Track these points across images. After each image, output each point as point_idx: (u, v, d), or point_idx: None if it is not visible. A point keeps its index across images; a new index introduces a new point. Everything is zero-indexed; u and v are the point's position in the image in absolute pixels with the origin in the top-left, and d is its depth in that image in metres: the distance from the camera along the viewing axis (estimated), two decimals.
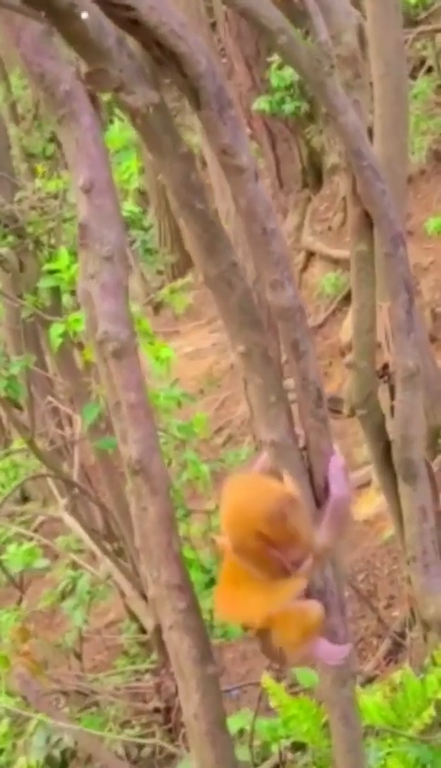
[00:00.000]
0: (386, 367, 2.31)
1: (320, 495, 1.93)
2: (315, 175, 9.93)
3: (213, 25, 10.39)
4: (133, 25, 1.23)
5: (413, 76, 9.70)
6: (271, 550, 1.58)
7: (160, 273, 12.89)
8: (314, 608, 1.90)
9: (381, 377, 2.30)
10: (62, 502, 5.06)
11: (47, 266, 3.90)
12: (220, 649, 4.63)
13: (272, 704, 2.79)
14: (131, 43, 1.30)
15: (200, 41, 1.29)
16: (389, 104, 4.30)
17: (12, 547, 5.14)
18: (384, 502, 2.69)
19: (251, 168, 1.41)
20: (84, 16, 1.22)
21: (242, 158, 1.39)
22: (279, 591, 1.71)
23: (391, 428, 2.29)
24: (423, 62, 9.83)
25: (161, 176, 1.46)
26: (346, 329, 6.41)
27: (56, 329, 3.62)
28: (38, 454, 4.42)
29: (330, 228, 9.15)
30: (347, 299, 7.26)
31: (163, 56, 1.28)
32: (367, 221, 2.09)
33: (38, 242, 4.10)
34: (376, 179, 1.97)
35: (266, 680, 2.81)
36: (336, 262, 8.73)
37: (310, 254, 9.43)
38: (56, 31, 1.43)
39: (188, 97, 1.34)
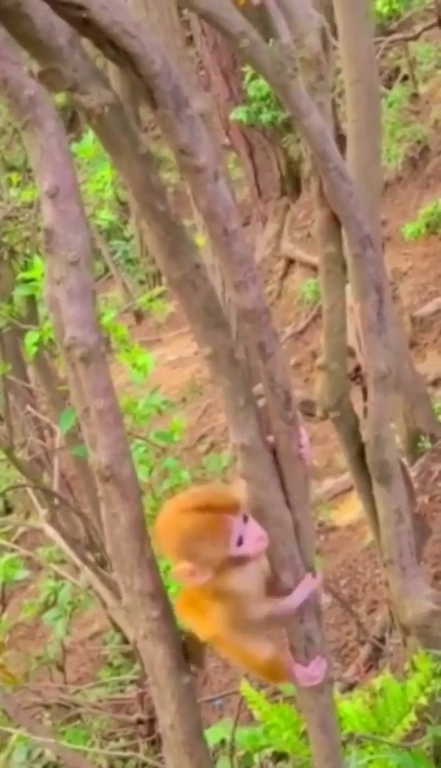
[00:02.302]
0: (358, 369, 2.30)
1: (290, 500, 1.92)
2: (293, 184, 9.97)
3: (190, 38, 10.43)
4: (85, 25, 1.22)
5: (389, 86, 9.77)
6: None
7: (142, 283, 12.88)
8: (262, 652, 1.90)
9: (354, 379, 2.30)
10: (43, 512, 5.02)
11: (22, 275, 3.88)
12: None
13: (252, 712, 2.77)
14: (86, 43, 1.29)
15: (154, 41, 1.28)
16: (362, 109, 4.31)
17: None
18: None
19: (210, 168, 1.40)
20: None
21: (200, 158, 1.38)
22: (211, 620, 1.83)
23: (364, 430, 2.29)
24: (397, 70, 9.89)
25: (121, 178, 1.44)
26: None
27: (31, 337, 3.60)
28: (16, 464, 4.38)
29: (309, 235, 9.16)
30: None
31: (117, 56, 1.27)
32: (335, 223, 2.08)
33: (13, 252, 4.07)
34: (342, 181, 1.96)
35: (245, 688, 2.79)
36: (316, 268, 8.74)
37: (290, 262, 9.45)
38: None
39: (145, 97, 1.33)
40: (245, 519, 1.73)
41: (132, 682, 5.06)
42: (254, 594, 1.75)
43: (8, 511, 8.31)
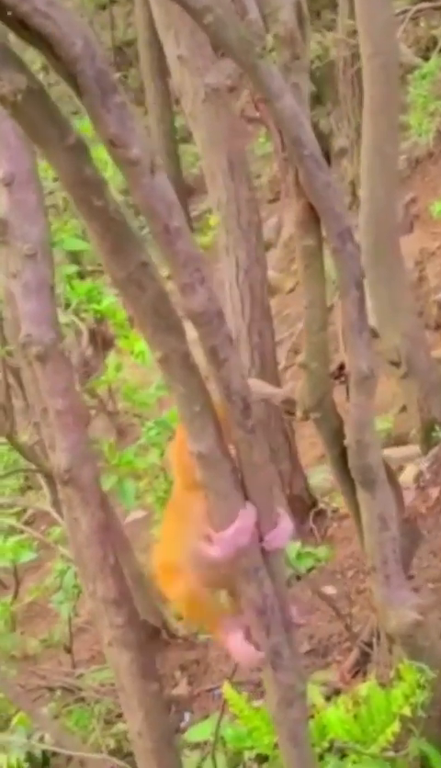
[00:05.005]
0: (342, 367, 2.17)
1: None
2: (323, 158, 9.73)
3: None
4: None
5: (427, 57, 9.45)
6: None
7: None
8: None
9: (337, 377, 2.17)
10: (49, 495, 4.97)
11: None
12: (205, 646, 4.53)
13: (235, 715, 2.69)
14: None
15: (75, 20, 1.16)
16: (379, 84, 4.14)
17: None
18: None
19: (145, 160, 1.28)
20: None
21: (132, 150, 1.26)
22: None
23: (347, 433, 2.16)
24: (435, 40, 9.56)
25: (53, 171, 1.33)
26: None
27: None
28: (18, 448, 4.32)
29: None
30: None
31: (32, 37, 1.15)
32: (314, 215, 1.95)
33: None
34: (318, 170, 1.83)
35: (227, 690, 2.70)
36: None
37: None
38: None
39: (68, 83, 1.21)
40: None
41: None
42: None
43: (30, 488, 8.30)
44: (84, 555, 2.01)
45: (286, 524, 1.85)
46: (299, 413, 2.13)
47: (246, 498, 1.76)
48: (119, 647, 2.09)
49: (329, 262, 2.06)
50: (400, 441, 5.74)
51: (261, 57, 1.68)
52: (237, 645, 1.81)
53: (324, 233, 1.97)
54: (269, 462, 1.74)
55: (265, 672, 1.98)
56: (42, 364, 1.84)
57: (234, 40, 1.67)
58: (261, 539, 1.81)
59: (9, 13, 1.11)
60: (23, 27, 1.13)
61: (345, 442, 2.16)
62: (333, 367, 2.25)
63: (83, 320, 5.85)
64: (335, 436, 2.21)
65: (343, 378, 2.20)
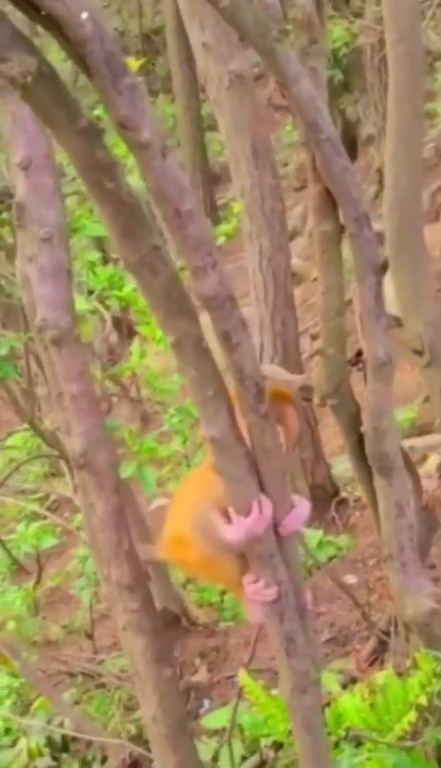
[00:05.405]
0: (360, 353, 2.16)
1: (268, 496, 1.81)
2: (350, 146, 9.66)
3: None
4: None
5: None
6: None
7: None
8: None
9: (355, 364, 2.16)
10: (71, 482, 4.99)
11: None
12: (225, 634, 4.54)
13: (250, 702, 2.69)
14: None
15: (84, 2, 1.16)
16: (403, 70, 4.08)
17: (21, 526, 5.12)
18: None
19: (156, 143, 1.28)
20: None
21: (143, 132, 1.25)
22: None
23: (364, 420, 2.15)
24: None
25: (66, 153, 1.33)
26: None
27: None
28: (40, 434, 4.35)
29: None
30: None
31: (41, 18, 1.15)
32: (330, 199, 1.93)
33: None
34: (335, 155, 1.81)
35: (243, 677, 2.70)
36: None
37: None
38: None
39: (79, 66, 1.21)
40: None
41: None
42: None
43: (53, 474, 8.35)
44: (98, 539, 2.02)
45: (302, 507, 1.85)
46: (316, 400, 2.12)
47: (260, 483, 1.76)
48: (134, 631, 2.10)
49: (348, 249, 2.06)
50: (423, 430, 5.70)
51: (278, 41, 1.67)
52: (250, 585, 1.82)
53: (341, 218, 1.96)
54: (282, 447, 1.73)
55: (279, 658, 1.98)
56: (58, 348, 1.85)
57: (251, 24, 1.66)
58: (276, 525, 1.81)
59: None
60: (33, 8, 1.14)
61: (362, 429, 2.15)
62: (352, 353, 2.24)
63: (108, 307, 5.86)
64: (353, 423, 2.20)
65: (361, 365, 2.19)
